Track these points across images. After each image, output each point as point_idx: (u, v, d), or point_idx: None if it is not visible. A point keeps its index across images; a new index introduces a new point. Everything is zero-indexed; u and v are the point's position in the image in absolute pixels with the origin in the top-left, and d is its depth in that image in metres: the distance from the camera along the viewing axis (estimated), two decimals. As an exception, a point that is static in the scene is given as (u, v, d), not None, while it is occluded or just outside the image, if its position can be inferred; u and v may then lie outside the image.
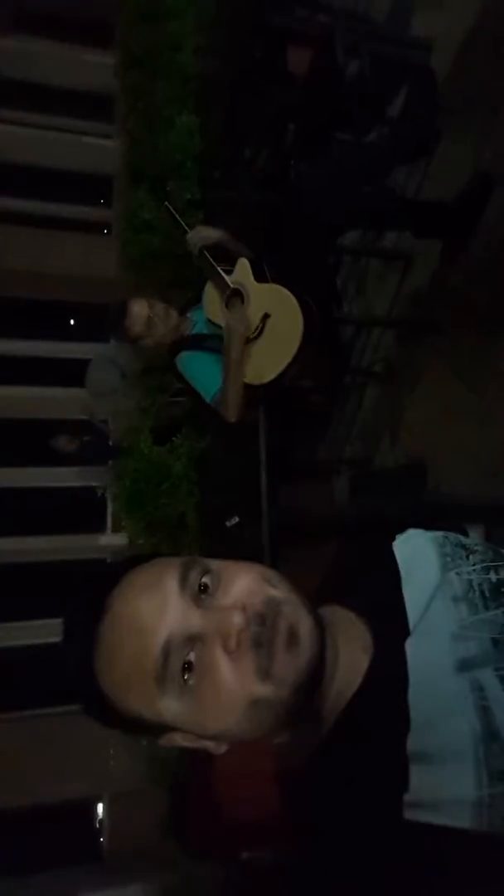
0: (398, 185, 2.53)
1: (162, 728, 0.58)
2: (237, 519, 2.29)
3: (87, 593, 0.62)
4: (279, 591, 0.56)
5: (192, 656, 0.54)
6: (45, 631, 4.26)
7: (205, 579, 0.57)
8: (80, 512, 4.92)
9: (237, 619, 0.53)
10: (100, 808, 4.52)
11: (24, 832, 4.07)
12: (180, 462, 2.90)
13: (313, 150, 2.59)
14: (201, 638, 0.54)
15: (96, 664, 0.57)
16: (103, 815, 4.50)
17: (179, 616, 0.55)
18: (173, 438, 3.00)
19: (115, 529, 4.60)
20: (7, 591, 4.42)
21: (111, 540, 4.63)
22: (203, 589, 0.56)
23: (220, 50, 3.30)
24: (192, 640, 0.54)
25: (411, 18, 2.64)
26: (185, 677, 0.54)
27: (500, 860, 0.47)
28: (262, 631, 0.53)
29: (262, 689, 0.53)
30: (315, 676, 0.55)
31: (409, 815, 0.50)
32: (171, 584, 0.56)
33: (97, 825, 4.51)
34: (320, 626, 0.57)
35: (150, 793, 3.34)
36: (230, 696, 0.53)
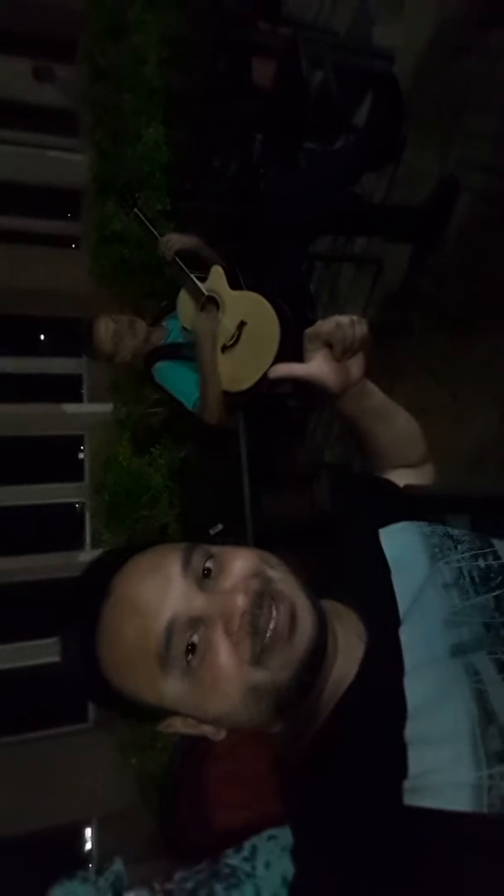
0: (366, 191, 2.57)
1: (162, 712, 0.58)
2: (220, 527, 2.28)
3: (89, 578, 0.62)
4: (277, 572, 0.57)
5: (195, 638, 0.55)
6: (27, 654, 4.18)
7: (208, 564, 0.57)
8: (58, 530, 4.85)
9: (240, 601, 0.54)
10: (88, 832, 4.42)
11: (10, 860, 3.96)
12: (160, 473, 2.89)
13: (281, 159, 2.63)
14: (204, 621, 0.55)
15: (98, 647, 0.57)
16: (92, 840, 4.40)
17: (182, 598, 0.56)
18: (152, 449, 2.99)
19: (95, 546, 4.54)
20: (-14, 613, 4.32)
21: (91, 557, 4.57)
22: (206, 574, 0.57)
23: (185, 63, 3.33)
24: (196, 622, 0.55)
25: (373, 29, 2.69)
26: (189, 658, 0.54)
27: (499, 842, 0.47)
28: (261, 614, 0.54)
29: (259, 675, 0.54)
30: (316, 657, 0.56)
31: (408, 800, 0.50)
32: (174, 567, 0.57)
33: (86, 850, 4.41)
34: (319, 609, 0.57)
35: (141, 812, 3.28)
36: (229, 680, 0.54)
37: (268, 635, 0.54)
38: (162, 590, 0.56)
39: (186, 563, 0.57)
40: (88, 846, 4.39)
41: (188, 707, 0.57)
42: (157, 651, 0.54)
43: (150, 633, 0.55)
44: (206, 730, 0.59)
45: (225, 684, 0.54)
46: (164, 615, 0.55)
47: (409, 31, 2.44)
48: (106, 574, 0.60)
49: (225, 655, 0.54)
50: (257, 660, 0.54)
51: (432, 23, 2.29)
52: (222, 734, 0.59)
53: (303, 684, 0.55)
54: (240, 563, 0.57)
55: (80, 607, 0.60)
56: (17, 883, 3.85)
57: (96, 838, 4.35)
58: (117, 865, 0.47)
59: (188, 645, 0.54)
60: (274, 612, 0.54)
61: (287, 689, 0.54)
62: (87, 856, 4.36)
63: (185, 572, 0.57)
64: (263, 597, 0.55)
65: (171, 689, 0.55)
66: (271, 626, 0.54)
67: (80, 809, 4.21)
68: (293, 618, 0.55)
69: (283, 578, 0.57)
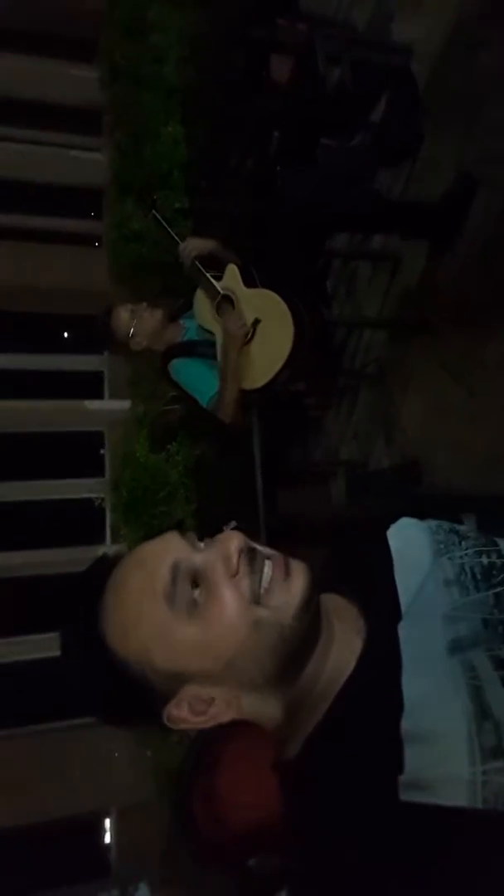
0: (383, 187, 2.55)
1: (170, 684, 0.58)
2: (235, 524, 2.28)
3: (92, 568, 0.65)
4: (263, 547, 0.61)
5: (196, 592, 0.58)
6: (46, 645, 4.24)
7: (200, 543, 0.62)
8: (79, 524, 4.91)
9: (235, 542, 0.59)
10: (107, 822, 4.48)
11: (31, 850, 4.03)
12: (177, 469, 2.91)
13: (298, 157, 2.62)
14: (204, 570, 0.58)
15: (102, 620, 0.59)
16: (111, 830, 4.45)
17: (183, 549, 0.60)
18: (169, 446, 3.01)
19: (115, 540, 4.59)
20: (7, 605, 4.40)
21: (110, 551, 4.61)
22: (199, 539, 0.62)
23: (203, 61, 3.34)
24: (196, 574, 0.58)
25: (391, 25, 2.67)
26: (195, 594, 0.57)
27: (494, 837, 0.48)
28: (256, 557, 0.58)
29: (262, 611, 0.57)
30: (315, 604, 0.58)
31: (404, 796, 0.50)
32: (172, 534, 0.62)
33: (105, 840, 4.47)
34: (314, 574, 0.60)
35: (158, 805, 3.32)
36: (234, 614, 0.56)
37: (265, 576, 0.58)
38: (163, 545, 0.61)
39: (182, 534, 0.62)
40: (108, 838, 4.44)
41: (197, 654, 0.57)
42: (164, 588, 0.57)
43: (155, 574, 0.58)
44: (218, 705, 0.59)
45: (231, 619, 0.56)
46: (167, 559, 0.59)
47: (427, 26, 2.41)
48: (109, 564, 0.63)
49: (228, 593, 0.57)
50: (259, 600, 0.57)
51: (450, 17, 2.26)
52: (233, 708, 0.59)
53: (305, 629, 0.57)
54: (228, 532, 0.61)
55: (82, 591, 0.63)
56: (37, 872, 3.93)
57: (115, 829, 4.40)
58: (142, 893, 0.47)
59: (192, 581, 0.58)
60: (267, 561, 0.59)
61: (291, 630, 0.56)
62: (107, 847, 4.41)
63: (183, 538, 0.61)
64: (255, 551, 0.59)
65: (180, 632, 0.57)
66: (266, 570, 0.58)
67: (99, 800, 4.26)
68: (287, 565, 0.58)
69: (269, 549, 0.61)
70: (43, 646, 4.27)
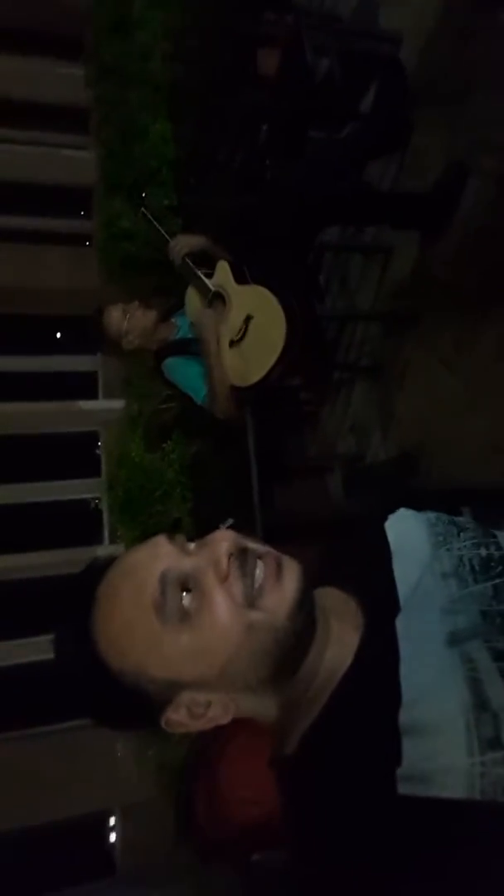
0: (373, 178, 2.54)
1: (166, 688, 0.58)
2: (231, 521, 2.28)
3: (83, 575, 0.64)
4: (255, 544, 0.60)
5: (187, 600, 0.57)
6: (47, 647, 4.23)
7: (190, 545, 0.61)
8: (76, 525, 4.91)
9: (224, 546, 0.58)
10: (112, 821, 4.49)
11: (35, 851, 4.03)
12: (172, 468, 2.91)
13: (287, 149, 2.61)
14: (194, 576, 0.57)
15: (94, 628, 0.58)
16: (116, 828, 4.46)
17: (172, 556, 0.59)
18: (164, 445, 3.01)
19: (113, 541, 4.59)
20: (5, 608, 4.39)
21: (108, 551, 4.61)
22: (190, 540, 0.61)
23: (189, 56, 3.32)
24: (186, 580, 0.57)
25: (378, 13, 2.66)
26: (185, 603, 0.56)
27: (492, 827, 0.47)
28: (247, 559, 0.57)
29: (255, 615, 0.56)
30: (309, 602, 0.58)
31: (402, 788, 0.50)
32: (161, 538, 0.61)
33: (110, 839, 4.48)
34: (306, 573, 0.59)
35: (162, 802, 3.32)
36: (227, 620, 0.56)
37: (256, 577, 0.57)
38: (151, 552, 0.60)
39: (171, 538, 0.61)
40: (112, 837, 4.45)
41: (191, 662, 0.57)
42: (153, 600, 0.56)
43: (144, 585, 0.57)
44: (215, 708, 0.58)
45: (224, 625, 0.55)
46: (156, 568, 0.57)
47: (415, 13, 2.39)
48: (100, 569, 0.61)
49: (220, 598, 0.56)
50: (251, 603, 0.56)
51: (438, 5, 2.25)
52: (230, 711, 0.59)
53: (299, 630, 0.56)
54: (219, 532, 0.60)
55: (73, 598, 0.62)
56: (42, 873, 3.94)
57: (120, 828, 4.41)
58: None
59: (183, 590, 0.57)
60: (259, 561, 0.57)
61: (285, 631, 0.56)
62: (112, 846, 4.43)
63: (171, 542, 0.60)
64: (246, 551, 0.58)
65: (173, 642, 0.56)
66: (258, 571, 0.57)
67: (103, 799, 4.27)
68: (279, 565, 0.57)
69: (261, 546, 0.60)
70: (44, 648, 4.26)
